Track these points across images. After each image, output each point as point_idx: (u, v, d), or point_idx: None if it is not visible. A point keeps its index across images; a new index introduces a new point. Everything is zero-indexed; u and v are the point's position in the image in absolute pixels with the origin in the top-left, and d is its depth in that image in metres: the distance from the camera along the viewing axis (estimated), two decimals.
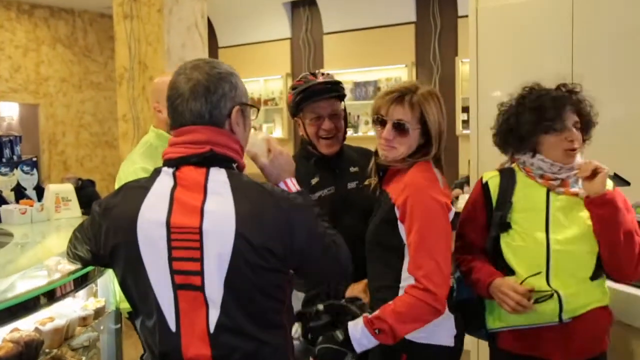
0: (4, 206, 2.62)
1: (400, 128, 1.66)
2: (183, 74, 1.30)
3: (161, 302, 1.22)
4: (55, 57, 7.92)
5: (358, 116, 7.30)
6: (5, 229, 2.49)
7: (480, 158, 2.95)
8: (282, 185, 1.43)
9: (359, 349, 1.58)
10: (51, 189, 2.80)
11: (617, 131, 2.66)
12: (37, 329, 1.76)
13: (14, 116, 9.39)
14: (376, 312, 1.59)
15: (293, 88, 2.03)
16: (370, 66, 7.22)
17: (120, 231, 1.26)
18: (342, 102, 2.05)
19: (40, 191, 2.82)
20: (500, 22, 2.91)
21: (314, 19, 7.72)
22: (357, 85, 7.38)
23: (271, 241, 1.21)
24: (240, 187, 1.25)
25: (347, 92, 7.28)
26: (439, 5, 6.92)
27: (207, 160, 1.26)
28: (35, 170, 2.68)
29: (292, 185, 1.45)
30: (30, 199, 2.77)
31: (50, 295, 1.59)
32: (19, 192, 2.72)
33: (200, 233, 1.20)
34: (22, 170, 2.55)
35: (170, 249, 1.21)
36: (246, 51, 8.11)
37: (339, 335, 1.59)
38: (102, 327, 2.19)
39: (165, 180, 1.27)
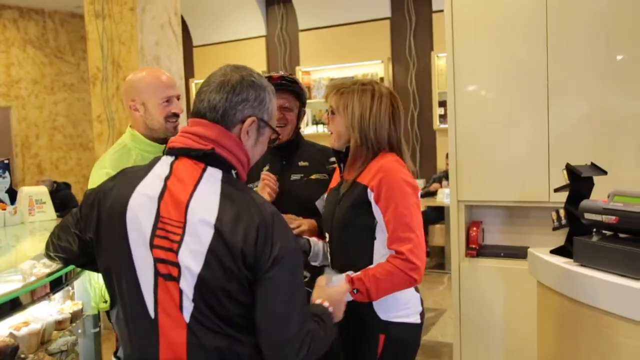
0: None
1: (330, 113, 1.86)
2: (223, 70, 1.34)
3: (143, 287, 1.23)
4: (25, 59, 7.76)
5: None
6: None
7: (458, 152, 2.96)
8: None
9: None
10: (24, 191, 2.74)
11: (593, 123, 2.70)
12: (11, 334, 1.72)
13: None
14: (358, 274, 1.70)
15: None
16: (347, 62, 7.23)
17: (112, 211, 1.28)
18: (298, 101, 2.23)
19: (13, 194, 2.76)
20: (476, 14, 2.92)
21: (289, 16, 7.70)
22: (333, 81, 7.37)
23: (246, 246, 1.19)
24: (230, 190, 1.25)
25: (323, 88, 7.35)
26: (414, 1, 6.95)
27: (206, 158, 1.27)
28: (7, 173, 2.62)
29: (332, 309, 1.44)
30: (3, 202, 2.71)
31: (25, 299, 1.55)
32: None
33: (183, 226, 1.21)
34: None
35: (153, 236, 1.22)
36: (221, 50, 8.06)
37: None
38: (80, 331, 2.15)
39: (162, 168, 1.29)
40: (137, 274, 1.23)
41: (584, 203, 1.94)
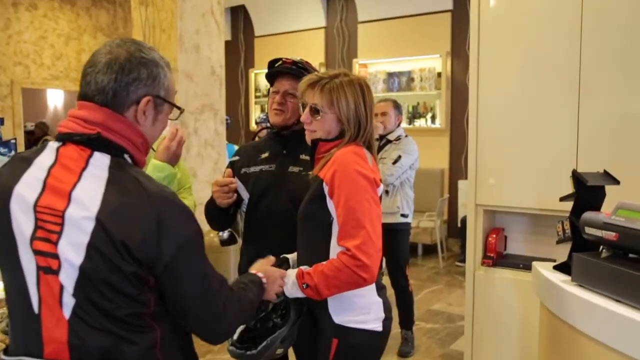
0: None
1: (314, 112, 1.74)
2: (108, 46, 1.25)
3: (28, 281, 1.17)
4: (96, 46, 8.07)
5: None
6: None
7: (479, 153, 2.74)
8: None
9: (288, 295, 1.67)
10: None
11: (626, 127, 2.41)
12: None
13: (59, 103, 9.76)
14: (309, 268, 1.65)
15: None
16: (404, 56, 7.00)
17: None
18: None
19: None
20: (503, 13, 2.69)
21: (349, 8, 7.57)
22: (390, 75, 7.18)
23: (133, 241, 1.12)
24: (118, 177, 1.18)
25: (380, 82, 7.17)
26: None
27: (91, 142, 1.20)
28: (13, 152, 2.70)
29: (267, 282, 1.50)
30: None
31: None
32: None
33: (63, 217, 1.14)
34: None
35: (35, 227, 1.16)
36: (282, 40, 8.06)
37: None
38: None
39: (47, 156, 1.22)
40: (22, 266, 1.17)
41: (586, 215, 1.72)
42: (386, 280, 4.07)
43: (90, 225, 1.12)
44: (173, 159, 1.94)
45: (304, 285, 1.62)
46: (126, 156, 1.23)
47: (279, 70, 2.10)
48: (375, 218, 1.62)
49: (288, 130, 2.11)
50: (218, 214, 2.11)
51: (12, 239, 1.18)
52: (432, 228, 6.41)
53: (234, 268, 4.09)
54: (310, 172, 1.85)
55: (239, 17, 8.72)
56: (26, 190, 1.18)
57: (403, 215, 3.84)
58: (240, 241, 4.28)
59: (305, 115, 1.77)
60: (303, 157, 2.07)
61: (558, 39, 2.55)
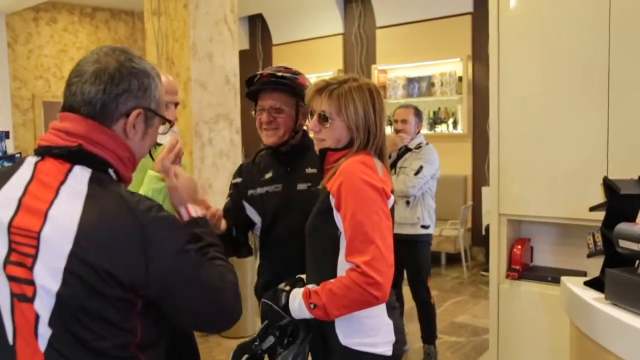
0: None
1: (323, 119, 1.64)
2: (95, 54, 1.16)
3: (2, 310, 1.07)
4: None
5: None
6: None
7: (501, 158, 2.59)
8: (182, 211, 1.34)
9: (295, 316, 1.57)
10: None
11: None
12: None
13: None
14: (317, 287, 1.54)
15: None
16: (424, 61, 6.85)
17: None
18: (294, 98, 1.96)
19: None
20: (524, 12, 2.55)
21: (367, 14, 7.46)
22: (410, 81, 7.03)
23: (116, 265, 1.03)
24: (98, 193, 1.08)
25: (400, 88, 7.04)
26: None
27: (72, 156, 1.10)
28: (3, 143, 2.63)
29: (193, 211, 1.35)
30: None
31: None
32: None
33: (38, 239, 1.04)
34: None
35: (9, 251, 1.06)
36: (299, 48, 7.99)
37: (282, 299, 1.58)
38: None
39: (24, 172, 1.12)
40: None
41: (620, 227, 1.56)
42: (407, 293, 3.94)
43: (67, 248, 1.02)
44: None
45: (312, 306, 1.51)
46: (110, 171, 1.14)
47: (258, 87, 1.96)
48: (386, 231, 1.50)
49: (286, 146, 1.98)
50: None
51: None
52: (456, 236, 6.23)
53: (251, 281, 3.98)
54: (320, 186, 1.72)
55: (257, 26, 8.68)
56: (1, 213, 1.08)
57: (424, 227, 3.70)
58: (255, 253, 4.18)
59: (313, 123, 1.67)
60: (309, 170, 1.95)
61: (584, 37, 2.39)
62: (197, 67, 4.25)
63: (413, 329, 4.00)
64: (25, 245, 1.04)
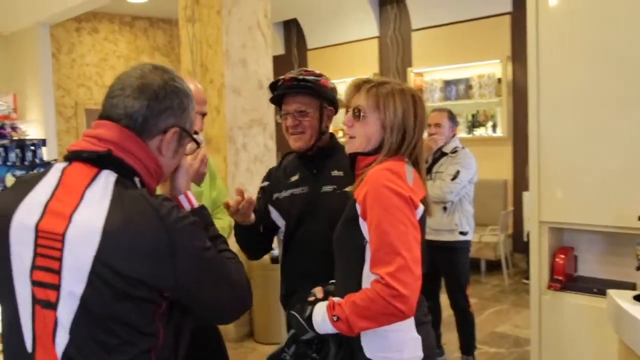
0: None
1: (357, 114, 1.59)
2: (139, 70, 1.19)
3: (22, 316, 1.08)
4: None
5: None
6: None
7: (542, 163, 2.47)
8: (182, 199, 1.30)
9: (318, 330, 1.52)
10: None
11: None
12: None
13: None
14: (341, 299, 1.49)
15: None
16: (461, 62, 6.70)
17: None
18: (319, 100, 1.97)
19: None
20: (564, 10, 2.43)
21: (403, 16, 7.36)
22: (447, 83, 6.89)
23: (141, 267, 1.04)
24: (123, 196, 1.07)
25: (437, 91, 6.90)
26: None
27: (100, 160, 1.11)
28: None
29: (195, 201, 1.34)
30: None
31: None
32: None
33: (63, 241, 1.04)
34: (13, 175, 2.55)
35: (35, 255, 1.07)
36: (335, 52, 7.95)
37: (307, 311, 1.54)
38: None
39: (52, 177, 1.14)
40: (17, 300, 1.08)
41: None
42: (445, 301, 3.83)
43: (91, 250, 1.02)
44: (197, 177, 1.83)
45: (334, 318, 1.45)
46: (136, 179, 1.15)
47: (282, 92, 1.97)
48: (413, 242, 1.43)
49: (312, 150, 1.98)
50: (246, 238, 2.00)
51: (8, 270, 1.10)
52: (496, 243, 6.05)
53: None
54: (346, 189, 1.69)
55: (292, 31, 8.69)
56: (26, 216, 1.10)
57: (462, 233, 3.59)
58: None
59: (347, 118, 1.63)
60: (335, 173, 1.94)
61: (629, 34, 2.26)
62: (231, 73, 4.25)
63: (451, 338, 3.89)
64: (50, 248, 1.05)
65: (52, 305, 1.04)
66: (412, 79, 7.06)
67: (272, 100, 2.03)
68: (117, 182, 1.10)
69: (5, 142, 2.52)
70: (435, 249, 3.62)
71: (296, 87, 1.94)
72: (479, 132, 6.69)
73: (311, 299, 1.56)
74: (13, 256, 1.09)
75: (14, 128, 2.63)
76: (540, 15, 2.48)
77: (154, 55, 8.34)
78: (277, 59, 8.21)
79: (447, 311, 3.75)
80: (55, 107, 7.18)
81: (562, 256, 2.49)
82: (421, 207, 1.51)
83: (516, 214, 6.44)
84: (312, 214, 1.94)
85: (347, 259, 1.56)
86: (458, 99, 6.76)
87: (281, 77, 1.99)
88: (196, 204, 1.32)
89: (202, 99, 1.96)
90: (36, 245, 1.07)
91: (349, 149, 1.64)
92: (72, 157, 1.14)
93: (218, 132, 4.32)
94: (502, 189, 6.50)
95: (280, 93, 1.98)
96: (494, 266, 6.30)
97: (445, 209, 3.58)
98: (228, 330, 4.31)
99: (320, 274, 1.70)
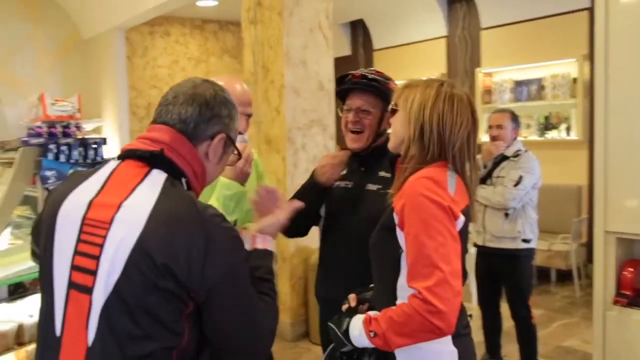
0: None
1: (393, 111, 1.58)
2: (191, 82, 1.28)
3: (56, 301, 1.13)
4: (221, 67, 8.53)
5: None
6: None
7: (609, 169, 2.30)
8: (248, 239, 1.35)
9: (356, 344, 1.48)
10: None
11: None
12: None
13: None
14: (378, 313, 1.45)
15: None
16: (533, 62, 6.41)
17: (47, 216, 1.22)
18: (383, 102, 1.96)
19: None
20: (636, 3, 2.25)
21: (472, 14, 7.14)
22: (518, 84, 6.62)
23: (175, 261, 1.07)
24: (171, 193, 1.14)
25: (507, 92, 6.64)
26: None
27: (152, 159, 1.17)
28: None
29: (260, 243, 1.38)
30: None
31: None
32: None
33: (109, 229, 1.10)
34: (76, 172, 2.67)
35: (78, 241, 1.13)
36: (401, 52, 7.84)
37: (344, 324, 1.50)
38: None
39: (104, 171, 1.22)
40: (54, 285, 1.13)
41: None
42: (505, 311, 3.66)
43: (132, 239, 1.07)
44: (241, 177, 1.83)
45: (372, 334, 1.42)
46: (183, 180, 1.20)
47: (349, 86, 1.98)
48: (453, 255, 1.36)
49: (367, 150, 1.99)
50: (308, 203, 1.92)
51: (50, 254, 1.16)
52: (567, 252, 5.74)
53: None
54: (389, 190, 1.63)
55: (358, 31, 8.64)
56: (74, 205, 1.17)
57: (525, 241, 3.43)
58: None
59: (389, 117, 1.64)
60: (383, 174, 1.93)
61: None
62: (291, 74, 4.27)
63: (512, 350, 3.71)
64: (95, 235, 1.10)
65: (89, 290, 1.08)
66: (481, 80, 6.84)
67: (337, 94, 2.05)
68: (167, 180, 1.16)
69: (69, 140, 2.64)
70: (496, 256, 3.48)
71: (364, 84, 1.95)
72: (552, 134, 6.38)
73: (345, 307, 1.53)
74: (56, 242, 1.16)
75: (77, 127, 2.74)
76: (609, 11, 2.30)
77: (223, 57, 8.55)
78: (343, 60, 8.18)
79: (509, 322, 3.59)
80: (129, 107, 7.51)
81: (631, 269, 2.30)
82: (462, 218, 1.43)
83: (590, 222, 6.08)
84: (351, 208, 1.95)
85: (383, 267, 1.52)
86: (529, 100, 6.48)
87: (350, 72, 2.00)
88: (261, 246, 1.36)
89: (248, 100, 1.96)
90: (80, 231, 1.13)
91: (390, 145, 1.61)
92: (126, 155, 1.21)
93: (278, 133, 4.35)
94: (575, 195, 6.16)
95: (346, 87, 2.00)
96: (564, 276, 5.98)
97: (507, 215, 3.42)
98: (284, 330, 4.34)
99: (355, 272, 1.71)
